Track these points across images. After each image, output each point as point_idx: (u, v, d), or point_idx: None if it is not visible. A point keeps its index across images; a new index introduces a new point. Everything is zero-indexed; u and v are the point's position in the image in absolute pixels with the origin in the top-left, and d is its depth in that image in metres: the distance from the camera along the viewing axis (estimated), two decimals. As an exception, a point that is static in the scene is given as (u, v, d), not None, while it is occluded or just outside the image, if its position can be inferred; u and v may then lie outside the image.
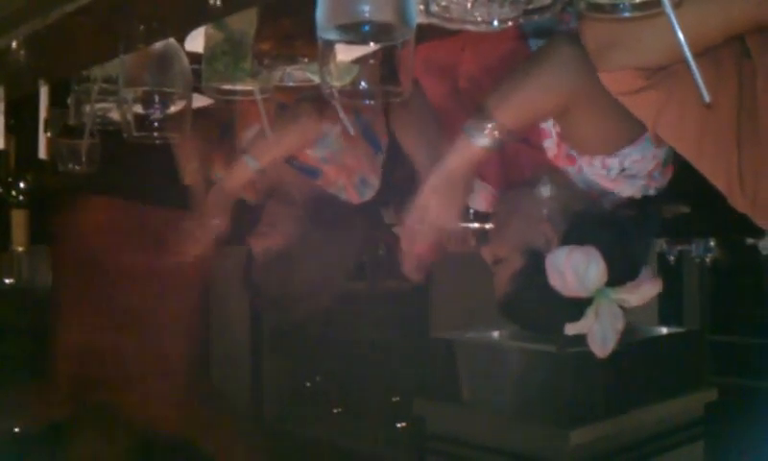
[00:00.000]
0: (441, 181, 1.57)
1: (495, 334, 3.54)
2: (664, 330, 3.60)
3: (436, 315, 4.52)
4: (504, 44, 1.70)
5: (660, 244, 2.87)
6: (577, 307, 1.64)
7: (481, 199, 1.94)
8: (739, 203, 1.32)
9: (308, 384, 5.55)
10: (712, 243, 2.92)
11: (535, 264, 1.65)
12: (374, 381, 5.02)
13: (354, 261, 2.16)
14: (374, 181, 2.10)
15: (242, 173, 2.04)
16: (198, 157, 2.26)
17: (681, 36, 0.74)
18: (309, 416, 5.34)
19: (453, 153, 1.55)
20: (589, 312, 1.62)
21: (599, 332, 1.63)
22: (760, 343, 3.63)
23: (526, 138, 1.71)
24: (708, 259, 2.93)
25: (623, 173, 1.62)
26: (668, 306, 3.75)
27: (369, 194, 2.11)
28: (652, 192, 1.70)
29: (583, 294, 1.60)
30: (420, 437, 3.58)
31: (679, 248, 3.04)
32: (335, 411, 5.27)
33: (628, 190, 1.67)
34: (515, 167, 1.79)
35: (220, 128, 2.24)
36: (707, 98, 0.75)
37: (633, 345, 3.20)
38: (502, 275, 1.73)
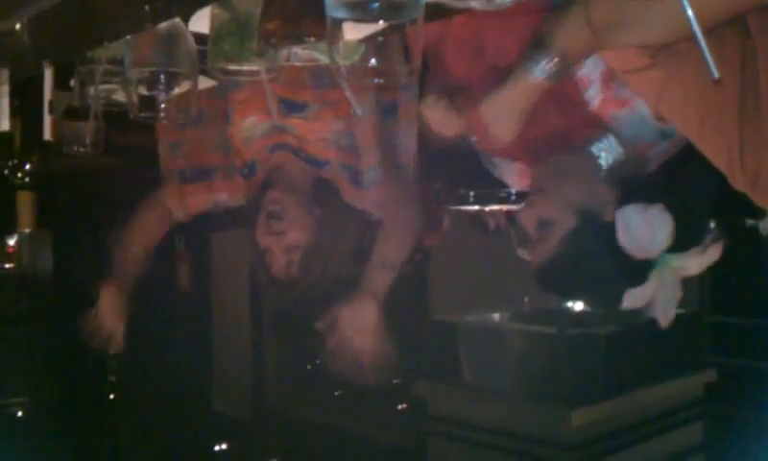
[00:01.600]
0: (496, 110, 1.50)
1: (496, 316, 3.55)
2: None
3: (437, 297, 4.53)
4: (528, 17, 1.66)
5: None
6: (636, 273, 1.58)
7: (515, 176, 1.91)
8: (740, 183, 1.32)
9: (309, 367, 5.56)
10: (712, 224, 2.91)
11: (590, 226, 1.60)
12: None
13: (356, 244, 2.15)
14: (379, 171, 2.08)
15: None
16: (143, 240, 2.29)
17: (690, 11, 0.74)
18: (310, 398, 5.35)
19: (511, 83, 1.46)
20: (653, 278, 1.57)
21: (662, 299, 1.59)
22: (760, 323, 3.63)
23: (565, 96, 1.63)
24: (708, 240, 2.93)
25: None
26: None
27: (376, 182, 2.09)
28: None
29: (651, 255, 1.55)
30: (422, 419, 3.60)
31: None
32: (336, 393, 5.28)
33: None
34: (548, 140, 1.73)
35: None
36: (715, 74, 0.75)
37: (633, 326, 3.21)
38: (549, 238, 1.65)
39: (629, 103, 1.61)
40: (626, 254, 1.57)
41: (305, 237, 1.99)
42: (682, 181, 1.64)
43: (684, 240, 1.57)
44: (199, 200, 2.25)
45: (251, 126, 2.06)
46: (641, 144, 1.67)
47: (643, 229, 1.54)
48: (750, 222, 1.85)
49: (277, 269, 2.00)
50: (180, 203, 2.25)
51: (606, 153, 1.67)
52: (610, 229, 1.59)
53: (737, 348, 3.70)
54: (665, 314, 1.62)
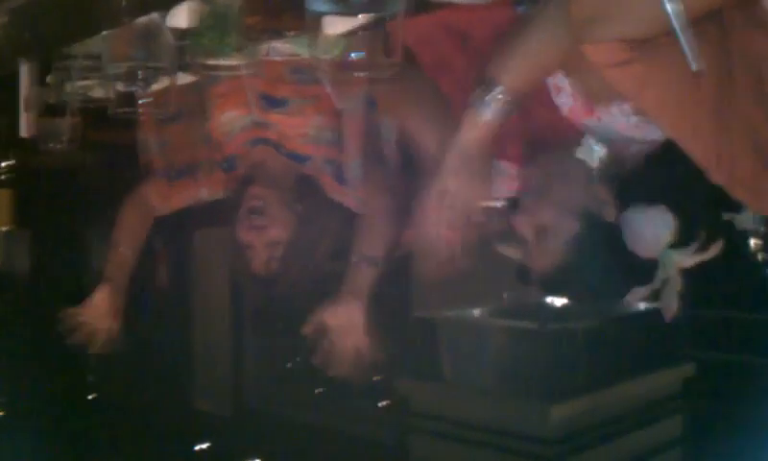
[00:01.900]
0: (457, 161, 1.48)
1: (477, 312, 3.56)
2: (643, 306, 3.62)
3: (417, 293, 4.53)
4: (494, 12, 1.66)
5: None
6: (643, 271, 1.61)
7: (501, 181, 1.90)
8: (717, 177, 1.33)
9: (289, 365, 5.55)
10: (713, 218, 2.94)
11: (593, 228, 1.61)
12: (356, 361, 5.02)
13: (336, 240, 2.14)
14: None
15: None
16: (131, 239, 2.28)
17: (668, 5, 0.75)
18: (291, 397, 5.34)
19: (464, 129, 1.46)
20: (659, 274, 1.59)
21: (667, 294, 1.61)
22: (738, 317, 3.66)
23: (540, 101, 1.64)
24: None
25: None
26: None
27: (358, 178, 2.08)
28: None
29: (656, 254, 1.58)
30: (403, 415, 3.60)
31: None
32: (317, 391, 5.27)
33: (652, 134, 1.61)
34: (537, 137, 1.73)
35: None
36: (694, 66, 0.76)
37: (612, 320, 3.23)
38: (550, 244, 1.66)
39: (596, 114, 1.62)
40: (631, 254, 1.59)
41: (287, 233, 1.98)
42: (675, 176, 1.65)
43: (685, 236, 1.59)
44: (184, 196, 2.24)
45: (231, 120, 2.05)
46: (617, 145, 1.68)
47: (648, 229, 1.56)
48: (727, 216, 1.86)
49: (258, 265, 1.99)
50: (166, 199, 2.23)
51: (589, 154, 1.68)
52: (612, 229, 1.61)
53: (716, 342, 3.73)
54: (670, 307, 1.64)
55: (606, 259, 1.62)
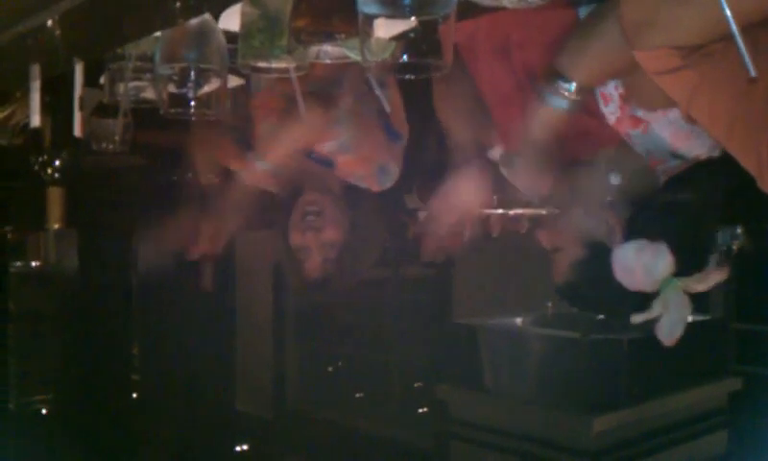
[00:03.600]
0: (527, 150, 1.52)
1: (518, 320, 3.54)
2: (689, 318, 3.57)
3: (458, 300, 4.52)
4: (554, 13, 1.66)
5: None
6: (643, 296, 1.61)
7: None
8: (765, 185, 1.32)
9: (330, 369, 5.58)
10: (739, 230, 2.90)
11: (597, 254, 1.62)
12: (397, 366, 5.03)
13: (383, 246, 2.16)
14: (394, 169, 2.10)
15: (253, 174, 2.05)
16: (212, 159, 2.26)
17: (728, 10, 0.74)
18: (331, 400, 5.36)
19: (532, 120, 1.50)
20: (657, 304, 1.60)
21: (667, 322, 1.61)
22: (786, 332, 3.60)
23: (585, 108, 1.64)
24: (734, 246, 2.91)
25: (695, 126, 1.55)
26: (693, 294, 3.71)
27: (389, 182, 2.10)
28: (717, 153, 1.64)
29: (650, 289, 1.59)
30: (442, 422, 3.59)
31: (705, 235, 3.02)
32: (357, 396, 5.29)
33: (697, 148, 1.62)
34: (568, 146, 1.75)
35: (233, 129, 2.22)
36: (753, 72, 0.75)
37: (657, 332, 3.19)
38: (561, 263, 1.71)
39: (644, 123, 1.62)
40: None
41: (341, 235, 2.01)
42: (688, 196, 1.65)
43: (686, 266, 1.59)
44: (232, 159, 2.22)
45: (269, 129, 2.07)
46: (651, 160, 1.68)
47: (638, 269, 1.56)
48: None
49: (313, 267, 2.01)
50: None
51: (618, 177, 1.68)
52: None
53: (763, 356, 3.66)
54: (671, 335, 1.63)
55: (605, 287, 1.62)
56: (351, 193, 2.08)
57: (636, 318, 1.63)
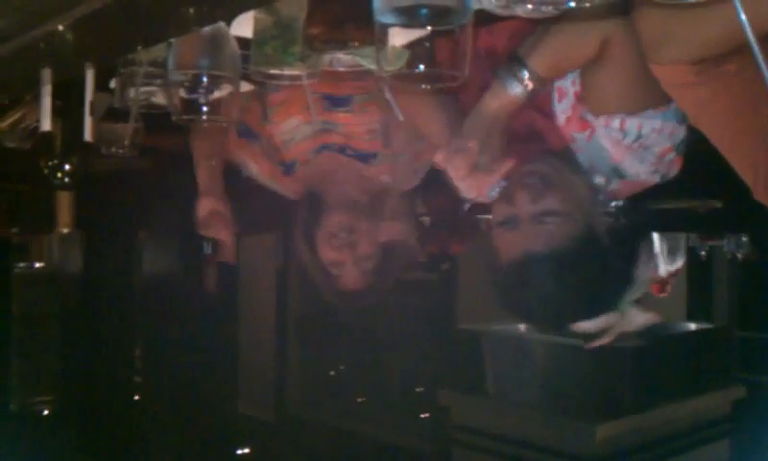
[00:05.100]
0: (477, 123, 1.52)
1: (522, 327, 3.54)
2: (693, 326, 3.58)
3: (462, 306, 4.52)
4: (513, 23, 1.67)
5: (692, 239, 2.85)
6: (599, 303, 1.66)
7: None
8: (761, 195, 1.33)
9: (332, 373, 5.58)
10: (744, 239, 2.90)
11: (593, 231, 1.61)
12: (399, 371, 5.04)
13: (413, 244, 2.14)
14: (421, 168, 2.07)
15: (277, 177, 2.07)
16: (212, 153, 2.22)
17: (749, 31, 0.75)
18: (333, 405, 5.37)
19: (488, 97, 1.51)
20: (609, 318, 1.69)
21: (608, 334, 1.71)
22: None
23: (537, 106, 1.66)
24: (739, 255, 2.91)
25: (639, 141, 1.58)
26: (697, 302, 3.72)
27: (417, 180, 2.09)
28: (656, 179, 1.65)
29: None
30: (445, 427, 3.59)
31: (710, 243, 3.02)
32: (359, 400, 5.29)
33: (636, 166, 1.62)
34: (513, 143, 1.68)
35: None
36: (769, 84, 0.76)
37: (661, 340, 3.19)
38: (548, 229, 1.62)
39: (590, 128, 1.61)
40: (617, 263, 1.62)
41: (375, 247, 1.98)
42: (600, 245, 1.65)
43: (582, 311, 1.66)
44: (241, 153, 2.19)
45: (293, 128, 2.05)
46: (594, 173, 1.68)
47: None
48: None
49: (349, 281, 1.98)
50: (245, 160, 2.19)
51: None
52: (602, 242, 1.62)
53: (767, 364, 3.66)
54: (600, 340, 1.73)
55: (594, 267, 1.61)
56: (379, 199, 2.05)
57: (581, 325, 1.69)
